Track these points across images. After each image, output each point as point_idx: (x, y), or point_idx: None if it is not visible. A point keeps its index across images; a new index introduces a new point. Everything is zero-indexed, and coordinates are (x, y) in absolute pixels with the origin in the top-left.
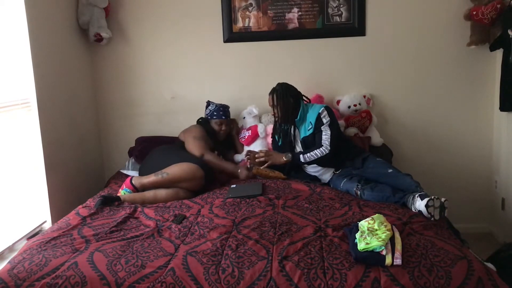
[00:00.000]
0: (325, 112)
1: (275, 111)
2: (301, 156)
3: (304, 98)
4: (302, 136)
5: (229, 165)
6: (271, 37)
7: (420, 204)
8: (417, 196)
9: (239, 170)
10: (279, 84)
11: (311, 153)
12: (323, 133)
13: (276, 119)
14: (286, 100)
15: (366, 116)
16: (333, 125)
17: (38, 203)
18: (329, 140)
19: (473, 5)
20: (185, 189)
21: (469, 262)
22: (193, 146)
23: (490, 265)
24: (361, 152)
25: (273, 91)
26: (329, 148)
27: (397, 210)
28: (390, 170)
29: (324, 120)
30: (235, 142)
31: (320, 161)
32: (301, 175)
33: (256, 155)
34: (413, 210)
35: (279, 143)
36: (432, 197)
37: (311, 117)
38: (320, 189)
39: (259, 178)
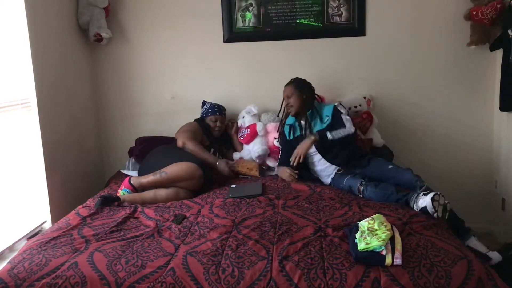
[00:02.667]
0: (341, 106)
1: (290, 101)
2: (328, 133)
3: (316, 95)
4: (317, 129)
5: (210, 156)
6: (271, 37)
7: (425, 200)
8: (422, 194)
9: (217, 162)
10: (296, 78)
11: (337, 131)
12: (344, 119)
13: (289, 110)
14: (303, 90)
15: (367, 118)
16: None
17: (38, 203)
18: (350, 122)
19: (473, 5)
20: (184, 188)
21: (469, 262)
22: (178, 138)
23: (496, 254)
24: (365, 153)
25: (291, 82)
26: (352, 128)
27: (397, 210)
28: (390, 166)
29: (342, 110)
30: (234, 141)
31: (344, 139)
32: (303, 175)
33: (291, 159)
34: (415, 209)
35: (290, 137)
36: (438, 192)
37: (327, 111)
38: (320, 189)
39: (243, 177)
